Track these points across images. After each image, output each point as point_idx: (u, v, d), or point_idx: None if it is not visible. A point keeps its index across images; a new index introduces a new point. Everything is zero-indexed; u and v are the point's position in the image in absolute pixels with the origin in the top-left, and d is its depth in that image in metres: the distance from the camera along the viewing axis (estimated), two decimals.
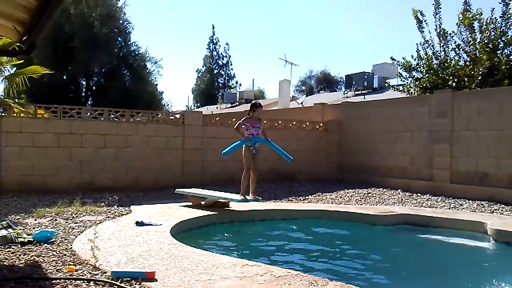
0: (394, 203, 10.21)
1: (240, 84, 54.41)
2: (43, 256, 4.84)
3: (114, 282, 3.91)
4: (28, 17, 4.13)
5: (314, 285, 3.89)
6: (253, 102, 9.09)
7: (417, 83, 14.51)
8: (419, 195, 11.03)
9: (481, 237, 7.20)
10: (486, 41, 12.94)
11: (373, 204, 10.03)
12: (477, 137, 10.79)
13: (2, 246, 5.22)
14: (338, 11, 72.16)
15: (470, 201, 9.97)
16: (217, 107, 33.48)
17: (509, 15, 12.88)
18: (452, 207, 9.51)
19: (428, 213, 8.60)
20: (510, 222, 7.51)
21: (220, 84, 54.38)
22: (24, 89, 11.97)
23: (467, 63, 13.37)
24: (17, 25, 4.34)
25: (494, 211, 9.07)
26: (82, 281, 3.97)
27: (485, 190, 10.27)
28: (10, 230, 5.83)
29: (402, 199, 10.57)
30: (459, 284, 5.19)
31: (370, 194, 11.23)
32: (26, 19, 4.20)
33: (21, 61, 10.86)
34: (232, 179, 11.64)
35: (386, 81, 17.61)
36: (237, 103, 30.50)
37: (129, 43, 32.52)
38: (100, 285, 3.90)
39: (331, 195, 11.11)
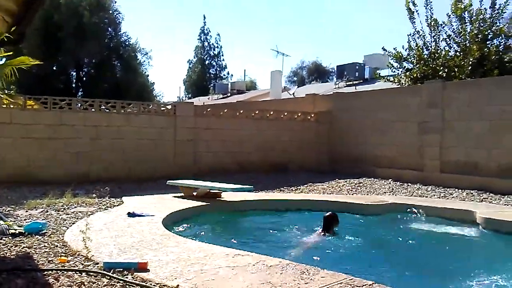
0: (385, 192, 10.29)
1: (232, 75, 54.09)
2: (34, 248, 4.83)
3: (107, 273, 3.92)
4: (16, 7, 4.09)
5: (305, 274, 3.92)
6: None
7: (407, 73, 14.56)
8: (410, 184, 11.11)
9: (470, 225, 7.30)
10: (476, 31, 13.00)
11: (364, 194, 10.10)
12: (467, 127, 10.87)
13: None
14: (329, 1, 71.92)
15: (460, 190, 10.07)
16: (209, 98, 33.34)
17: (498, 6, 12.95)
18: (442, 197, 9.62)
19: (419, 202, 8.68)
20: (499, 211, 7.62)
21: (212, 75, 54.03)
22: (13, 81, 11.85)
23: (457, 53, 13.44)
24: (5, 15, 4.29)
25: (483, 200, 9.19)
26: (74, 272, 3.97)
27: (475, 180, 10.37)
28: (1, 222, 5.81)
29: (393, 189, 10.65)
30: (449, 271, 5.26)
31: (361, 184, 11.30)
32: (14, 9, 4.16)
33: (11, 53, 10.73)
34: (225, 170, 11.66)
35: (377, 71, 17.63)
36: (229, 94, 30.41)
37: (119, 33, 32.20)
38: (93, 276, 3.89)
39: (322, 185, 11.17)
